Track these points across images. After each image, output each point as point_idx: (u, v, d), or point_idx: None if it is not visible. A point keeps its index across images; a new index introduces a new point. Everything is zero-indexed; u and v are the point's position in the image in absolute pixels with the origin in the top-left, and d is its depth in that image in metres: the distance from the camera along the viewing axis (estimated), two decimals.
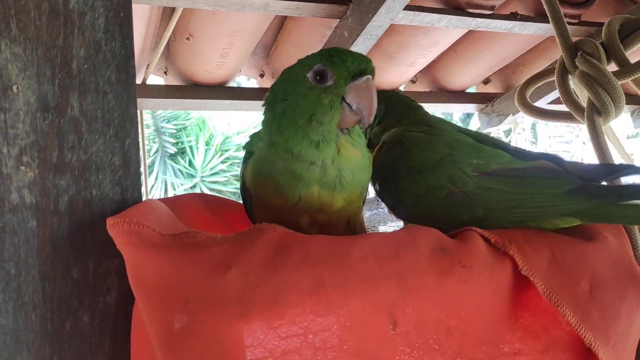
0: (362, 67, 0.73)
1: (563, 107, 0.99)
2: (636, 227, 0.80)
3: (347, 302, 0.60)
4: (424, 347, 0.64)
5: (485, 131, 3.30)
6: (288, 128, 0.73)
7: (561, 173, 0.77)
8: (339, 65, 0.72)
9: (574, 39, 0.97)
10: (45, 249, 0.65)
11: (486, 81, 3.14)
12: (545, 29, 2.45)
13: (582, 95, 0.96)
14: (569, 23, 2.40)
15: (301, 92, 0.73)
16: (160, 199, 0.79)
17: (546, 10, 0.97)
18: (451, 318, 0.65)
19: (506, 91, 3.08)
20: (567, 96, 0.96)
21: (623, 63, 0.93)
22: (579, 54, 0.93)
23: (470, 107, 3.15)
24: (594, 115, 0.89)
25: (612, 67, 0.95)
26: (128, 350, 0.67)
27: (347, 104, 0.73)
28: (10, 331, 0.64)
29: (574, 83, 0.96)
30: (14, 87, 0.64)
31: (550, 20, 0.97)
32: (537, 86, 1.06)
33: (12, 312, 0.64)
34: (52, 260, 0.65)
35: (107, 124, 0.68)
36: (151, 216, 0.64)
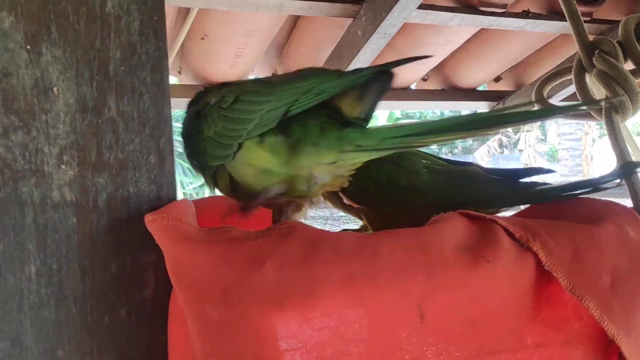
0: None
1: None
2: None
3: (377, 295, 0.62)
4: (450, 338, 0.66)
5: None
6: None
7: (489, 175, 0.91)
8: None
9: (591, 38, 0.98)
10: (85, 244, 0.68)
11: (497, 79, 3.15)
12: (558, 27, 2.46)
13: (599, 93, 0.98)
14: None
15: None
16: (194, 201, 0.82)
17: (563, 9, 0.98)
18: (477, 311, 0.67)
19: (517, 89, 3.09)
20: (585, 94, 0.97)
21: (639, 62, 0.95)
22: (596, 52, 0.95)
23: (482, 105, 3.16)
24: (612, 113, 0.91)
25: (628, 65, 0.97)
26: (164, 342, 0.70)
27: None
28: (52, 324, 0.66)
29: (590, 81, 0.98)
30: (55, 89, 0.67)
31: (567, 19, 0.99)
32: (555, 84, 1.07)
33: (54, 306, 0.66)
34: (91, 255, 0.68)
35: (143, 123, 0.70)
36: (188, 213, 0.66)
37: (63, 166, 0.67)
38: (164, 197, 0.71)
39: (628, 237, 0.77)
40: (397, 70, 2.61)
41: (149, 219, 0.64)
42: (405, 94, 2.98)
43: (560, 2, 0.97)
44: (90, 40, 0.68)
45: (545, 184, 0.91)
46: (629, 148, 0.91)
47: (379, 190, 0.88)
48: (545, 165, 16.10)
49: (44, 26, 0.66)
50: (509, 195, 0.88)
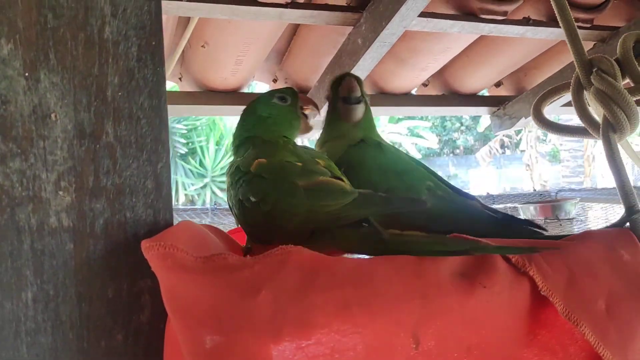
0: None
1: (579, 122, 1.01)
2: None
3: (372, 322, 0.62)
4: None
5: (497, 134, 3.31)
6: None
7: (487, 212, 0.91)
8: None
9: (590, 56, 0.98)
10: (82, 270, 0.68)
11: (498, 84, 3.15)
12: (558, 34, 2.46)
13: (597, 110, 0.98)
14: (581, 27, 2.41)
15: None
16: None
17: (562, 27, 0.98)
18: (472, 336, 0.67)
19: (518, 94, 3.09)
20: (583, 112, 0.97)
21: (638, 80, 0.95)
22: (594, 70, 0.95)
23: (482, 110, 3.17)
24: (609, 132, 0.91)
25: (627, 83, 0.97)
26: None
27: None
28: (49, 349, 0.67)
29: (589, 99, 0.98)
30: (53, 115, 0.67)
31: (566, 37, 0.98)
32: (552, 101, 1.07)
33: (51, 331, 0.67)
34: (88, 280, 0.68)
35: (140, 148, 0.71)
36: (184, 239, 0.66)
37: (60, 192, 0.67)
38: (161, 222, 0.72)
39: (622, 261, 0.77)
40: (398, 76, 2.63)
41: (145, 245, 0.64)
42: (406, 99, 2.98)
43: (559, 20, 0.97)
44: (89, 66, 0.68)
45: (538, 230, 0.91)
46: (626, 166, 0.91)
47: None
48: (546, 165, 16.07)
49: (42, 53, 0.67)
50: (501, 235, 0.86)
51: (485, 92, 3.36)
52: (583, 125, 0.98)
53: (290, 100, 0.98)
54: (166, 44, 2.33)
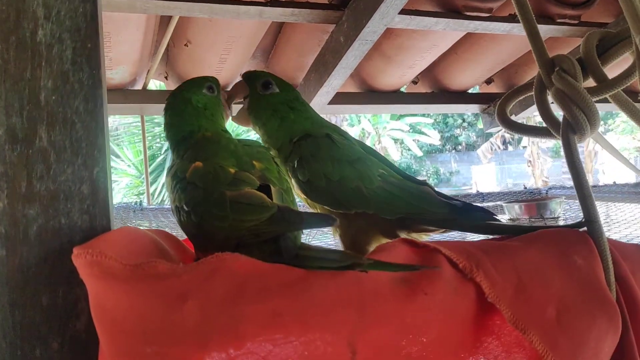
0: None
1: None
2: (607, 249, 0.80)
3: (306, 332, 0.61)
4: None
5: (488, 132, 3.29)
6: None
7: (440, 198, 0.90)
8: None
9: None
10: (15, 277, 0.66)
11: (489, 81, 3.13)
12: (545, 30, 2.44)
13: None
14: (568, 24, 2.39)
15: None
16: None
17: (523, 26, 0.97)
18: (412, 345, 0.66)
19: (509, 91, 3.07)
20: (545, 112, 0.95)
21: (601, 79, 0.93)
22: (555, 70, 0.93)
23: (473, 108, 3.15)
24: (569, 133, 0.89)
25: (591, 82, 0.95)
26: None
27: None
28: None
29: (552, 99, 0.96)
30: None
31: (527, 35, 0.97)
32: (517, 100, 1.05)
33: None
34: (21, 288, 0.67)
35: (76, 153, 0.69)
36: (118, 245, 0.65)
37: None
38: (97, 228, 0.70)
39: (575, 266, 0.75)
40: (386, 74, 2.61)
41: (75, 253, 0.63)
42: (396, 96, 2.96)
43: (520, 19, 0.95)
44: (20, 70, 0.67)
45: (494, 218, 0.90)
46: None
47: (328, 187, 0.88)
48: (548, 161, 16.02)
49: None
50: (457, 221, 0.87)
51: (476, 89, 3.34)
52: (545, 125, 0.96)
53: (216, 90, 0.97)
54: (149, 43, 2.32)
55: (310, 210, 0.94)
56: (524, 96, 1.03)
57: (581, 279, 0.75)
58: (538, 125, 1.03)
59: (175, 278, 0.61)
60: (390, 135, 21.24)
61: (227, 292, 0.61)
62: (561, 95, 0.89)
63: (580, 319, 0.73)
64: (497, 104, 1.02)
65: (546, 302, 0.72)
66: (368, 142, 20.63)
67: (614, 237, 1.69)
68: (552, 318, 0.72)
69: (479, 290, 0.70)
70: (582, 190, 0.85)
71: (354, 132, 20.39)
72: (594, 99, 0.89)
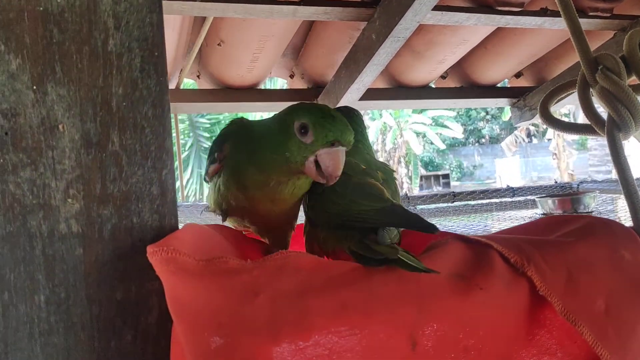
0: (339, 138, 0.81)
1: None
2: None
3: (369, 324, 0.64)
4: None
5: (517, 125, 3.28)
6: (264, 155, 0.86)
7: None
8: (320, 131, 0.81)
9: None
10: (92, 274, 0.71)
11: (518, 75, 3.11)
12: None
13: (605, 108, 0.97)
14: (601, 17, 2.38)
15: (285, 136, 0.83)
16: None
17: (567, 26, 0.98)
18: (469, 337, 0.68)
19: (538, 84, 3.05)
20: (589, 110, 0.97)
21: None
22: (599, 68, 0.94)
23: (502, 102, 3.14)
24: (614, 130, 0.90)
25: (632, 80, 0.96)
26: None
27: (317, 162, 0.82)
28: (62, 350, 0.70)
29: (595, 96, 0.98)
30: (60, 126, 0.70)
31: (570, 35, 0.98)
32: (560, 98, 1.07)
33: (63, 332, 0.70)
34: (97, 284, 0.71)
35: (145, 156, 0.73)
36: (188, 242, 0.69)
37: (69, 200, 0.70)
38: (166, 226, 0.74)
39: (623, 261, 0.77)
40: (415, 69, 2.61)
41: (149, 251, 0.67)
42: (425, 92, 2.97)
43: (564, 19, 0.97)
44: (93, 78, 0.71)
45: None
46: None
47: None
48: (574, 153, 15.75)
49: (49, 67, 0.69)
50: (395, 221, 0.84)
51: (505, 83, 3.33)
52: (589, 123, 0.98)
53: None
54: (183, 43, 2.37)
55: None
56: (566, 94, 1.05)
57: (629, 273, 0.77)
58: (580, 123, 1.05)
59: (246, 273, 0.65)
60: (412, 128, 21.13)
61: (295, 286, 0.64)
62: (606, 93, 0.91)
63: (628, 312, 0.75)
64: (540, 101, 1.04)
65: (595, 295, 0.74)
66: (389, 136, 20.53)
67: None
68: (601, 310, 0.74)
69: (531, 284, 0.73)
70: (628, 187, 0.87)
71: (375, 126, 20.31)
72: (639, 97, 0.90)
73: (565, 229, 0.83)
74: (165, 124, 0.74)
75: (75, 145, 0.70)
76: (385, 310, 0.65)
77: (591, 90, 0.98)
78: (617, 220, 0.84)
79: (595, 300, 0.74)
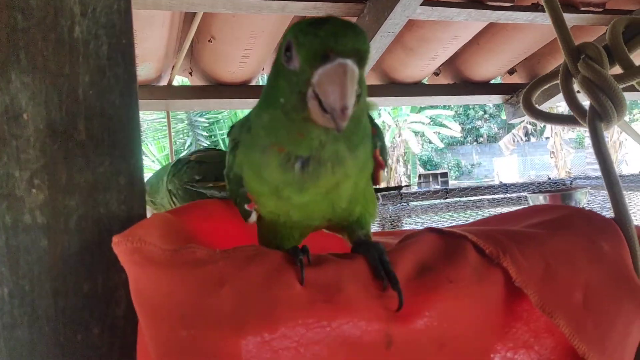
0: (332, 45, 0.52)
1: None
2: (635, 237, 0.80)
3: (338, 319, 0.62)
4: None
5: (510, 123, 3.26)
6: (263, 116, 0.63)
7: None
8: (302, 42, 0.54)
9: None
10: (57, 265, 0.69)
11: (512, 71, 3.10)
12: (569, 19, 2.41)
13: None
14: (593, 12, 2.36)
15: (275, 72, 0.60)
16: (171, 210, 0.83)
17: (548, 14, 0.97)
18: (446, 332, 0.67)
19: (532, 81, 3.04)
20: (571, 100, 0.95)
21: (627, 66, 0.92)
22: (581, 57, 0.93)
23: (495, 99, 3.13)
24: (596, 120, 0.89)
25: (617, 70, 0.95)
26: (135, 358, 0.71)
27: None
28: (26, 343, 0.68)
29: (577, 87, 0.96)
30: (24, 115, 0.68)
31: (552, 24, 0.97)
32: (542, 89, 1.05)
33: (27, 326, 0.68)
34: (63, 276, 0.69)
35: (113, 146, 0.72)
36: (155, 231, 0.67)
37: (34, 190, 0.69)
38: (134, 217, 0.73)
39: (602, 252, 0.76)
40: (407, 65, 2.62)
41: (114, 241, 0.65)
42: (417, 88, 2.96)
43: (546, 7, 0.96)
44: (59, 66, 0.70)
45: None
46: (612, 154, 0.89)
47: None
48: (571, 152, 15.76)
49: (13, 54, 0.68)
50: None
51: (499, 80, 3.31)
52: (572, 113, 0.96)
53: None
54: (174, 40, 2.35)
55: None
56: (549, 85, 1.03)
57: (608, 265, 0.76)
58: (563, 114, 1.03)
59: (212, 264, 0.63)
60: (410, 128, 21.10)
61: (263, 279, 0.63)
62: (587, 82, 0.90)
63: (607, 304, 0.73)
64: (522, 92, 1.03)
65: (573, 287, 0.73)
66: (388, 135, 20.51)
67: None
68: (579, 302, 0.72)
69: (507, 276, 0.71)
70: (610, 177, 0.85)
71: None
72: (621, 86, 0.89)
73: (544, 217, 0.81)
74: (134, 113, 0.73)
75: (40, 135, 0.69)
76: (356, 304, 0.63)
77: (574, 80, 0.96)
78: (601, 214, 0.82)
79: (573, 293, 0.72)
